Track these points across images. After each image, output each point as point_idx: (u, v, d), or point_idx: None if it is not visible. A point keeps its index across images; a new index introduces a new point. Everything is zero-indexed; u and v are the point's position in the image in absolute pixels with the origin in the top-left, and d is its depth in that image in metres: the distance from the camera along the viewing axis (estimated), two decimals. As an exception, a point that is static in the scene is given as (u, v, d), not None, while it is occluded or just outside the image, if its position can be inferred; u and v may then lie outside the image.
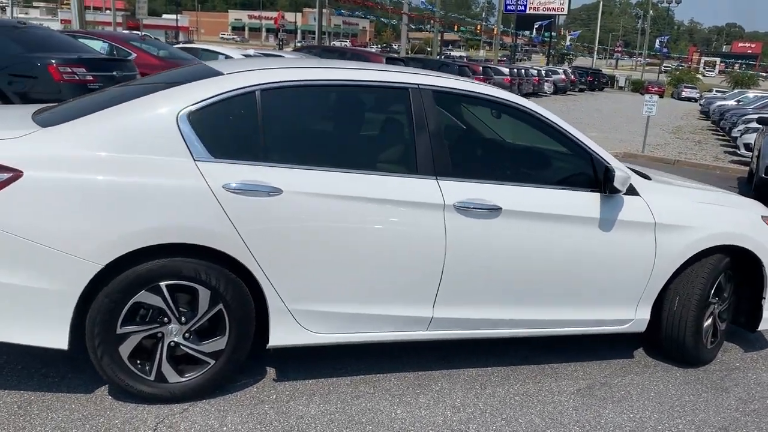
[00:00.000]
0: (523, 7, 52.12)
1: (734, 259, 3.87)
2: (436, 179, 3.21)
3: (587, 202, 3.45)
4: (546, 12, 52.08)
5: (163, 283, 2.86)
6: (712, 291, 3.78)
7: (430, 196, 3.16)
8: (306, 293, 3.07)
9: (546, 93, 36.98)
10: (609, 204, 3.49)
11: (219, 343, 3.01)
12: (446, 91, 3.36)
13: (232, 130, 3.03)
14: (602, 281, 3.54)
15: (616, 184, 3.38)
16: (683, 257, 3.64)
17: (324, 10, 78.23)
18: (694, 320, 3.73)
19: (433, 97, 3.30)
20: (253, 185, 2.91)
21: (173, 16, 75.69)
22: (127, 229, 2.75)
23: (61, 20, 48.15)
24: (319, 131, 3.14)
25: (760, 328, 3.98)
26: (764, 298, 3.95)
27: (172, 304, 2.90)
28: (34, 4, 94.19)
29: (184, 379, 2.99)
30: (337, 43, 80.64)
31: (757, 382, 3.77)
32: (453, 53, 75.80)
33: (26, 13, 72.10)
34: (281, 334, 3.09)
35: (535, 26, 52.15)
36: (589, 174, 3.53)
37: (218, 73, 3.13)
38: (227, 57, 13.18)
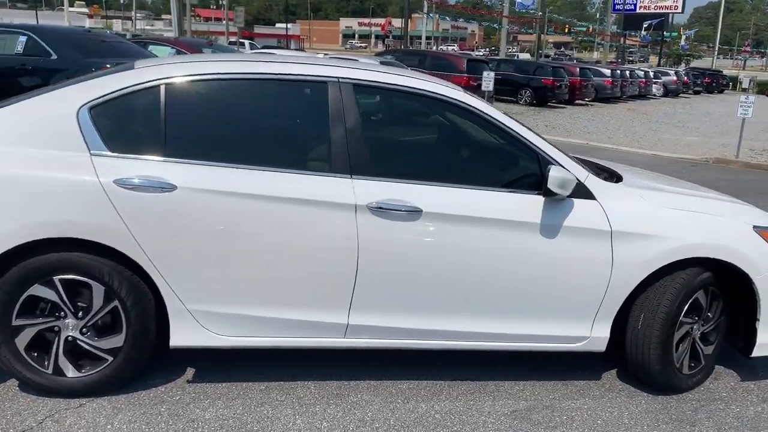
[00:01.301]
0: (632, 6, 49.54)
1: (721, 274, 3.40)
2: (351, 178, 3.03)
3: (527, 205, 3.14)
4: (658, 10, 49.25)
5: (56, 277, 2.86)
6: (685, 309, 3.33)
7: (341, 195, 2.99)
8: (206, 294, 2.98)
9: (654, 95, 35.06)
10: (554, 208, 3.16)
11: (116, 340, 2.98)
12: (370, 85, 3.16)
13: (133, 125, 2.99)
14: (547, 294, 3.21)
15: (551, 186, 3.05)
16: (647, 270, 3.23)
17: (433, 15, 78.13)
18: (660, 341, 3.31)
19: (354, 91, 3.12)
20: (145, 181, 2.86)
21: (287, 25, 78.47)
22: (18, 221, 2.77)
23: (192, 32, 51.16)
24: (226, 126, 3.04)
25: (754, 354, 3.47)
26: (758, 320, 3.44)
27: (66, 299, 2.90)
28: (163, 16, 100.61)
29: (81, 375, 2.98)
30: (444, 48, 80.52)
31: (737, 416, 3.29)
32: (552, 55, 73.69)
33: (152, 25, 77.14)
34: (182, 335, 3.02)
35: (644, 25, 49.45)
36: (537, 175, 3.21)
37: (131, 67, 3.12)
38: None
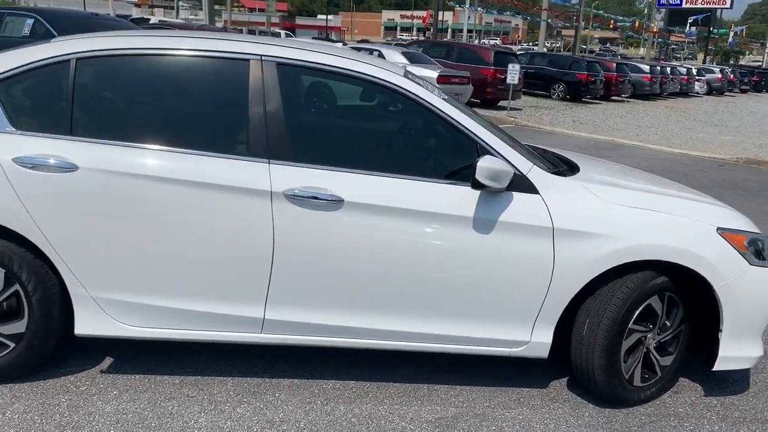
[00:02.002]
0: (678, 1, 47.81)
1: (681, 279, 3.12)
2: (269, 163, 2.84)
3: (460, 198, 2.91)
4: (705, 5, 47.51)
5: (-45, 259, 2.75)
6: (635, 315, 3.06)
7: (255, 181, 2.80)
8: (110, 282, 2.83)
9: (697, 93, 33.95)
10: (489, 202, 2.92)
11: (18, 326, 2.86)
12: (296, 65, 2.96)
13: (40, 101, 2.86)
14: (482, 294, 2.97)
15: (479, 177, 2.80)
16: (593, 272, 2.97)
17: (475, 9, 77.20)
18: (604, 349, 3.04)
19: (278, 70, 2.92)
20: (44, 160, 2.72)
21: (329, 17, 78.57)
22: None
23: (224, 21, 51.55)
24: (137, 105, 2.88)
25: (716, 368, 3.17)
26: (720, 331, 3.14)
27: (-36, 281, 2.79)
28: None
29: (-18, 360, 2.87)
30: (486, 42, 79.60)
31: (688, 434, 3.01)
32: (596, 51, 72.11)
33: (195, 15, 78.01)
34: (87, 323, 2.88)
35: (689, 20, 47.73)
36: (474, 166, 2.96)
37: (49, 41, 2.98)
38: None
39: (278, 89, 2.90)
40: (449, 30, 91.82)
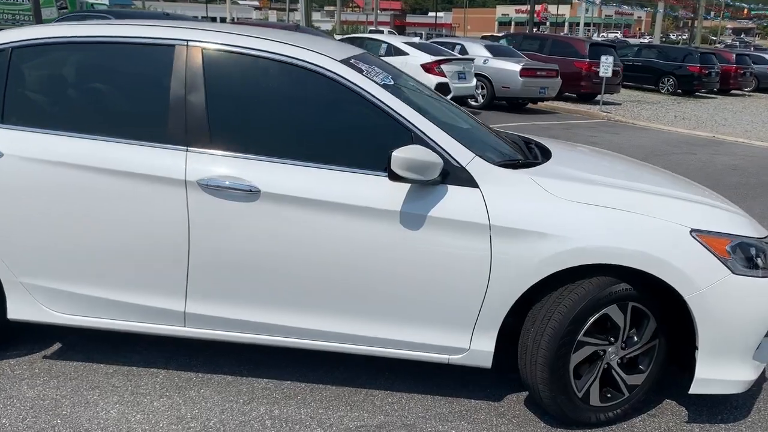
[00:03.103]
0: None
1: (652, 288, 2.74)
2: (186, 151, 2.76)
3: (387, 191, 2.69)
4: None
5: None
6: (586, 326, 2.70)
7: (171, 170, 2.73)
8: (37, 268, 2.86)
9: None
10: (420, 196, 2.68)
11: (-45, 309, 2.94)
12: (222, 50, 2.85)
13: (-24, 91, 2.92)
14: (413, 295, 2.74)
15: (395, 168, 2.57)
16: (538, 275, 2.66)
17: (594, 1, 74.24)
18: (547, 362, 2.71)
19: (203, 55, 2.84)
20: (-30, 147, 2.78)
21: (440, 14, 78.37)
22: None
23: (342, 22, 52.60)
24: (64, 92, 2.87)
25: (693, 391, 2.75)
26: (697, 349, 2.73)
27: None
28: (325, 8, 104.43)
29: (-75, 340, 2.99)
30: (607, 35, 76.31)
31: (645, 465, 2.62)
32: (728, 42, 67.03)
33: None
34: (17, 308, 2.93)
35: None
36: (409, 157, 2.73)
37: None
38: (389, 44, 13.13)
39: (201, 75, 2.81)
40: (566, 23, 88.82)
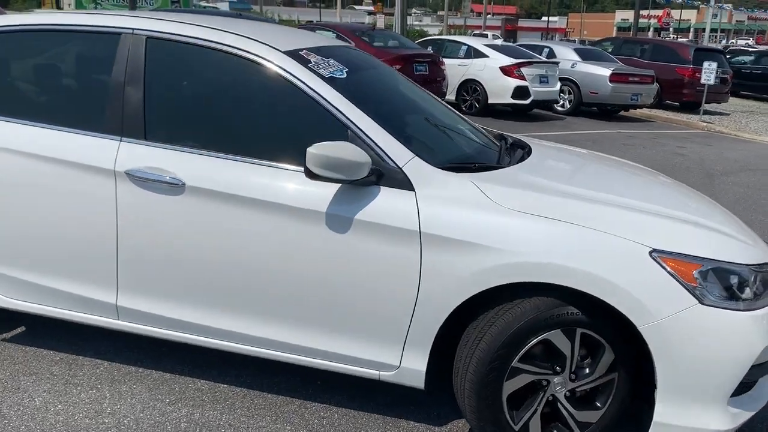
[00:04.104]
0: None
1: (604, 314, 2.40)
2: (120, 141, 2.71)
3: (315, 190, 2.51)
4: None
5: None
6: (521, 352, 2.40)
7: (102, 159, 2.69)
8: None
9: None
10: (349, 196, 2.49)
11: None
12: (165, 38, 2.77)
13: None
14: (341, 303, 2.55)
15: (310, 165, 2.38)
16: (468, 290, 2.39)
17: (726, 6, 69.59)
18: (474, 390, 2.44)
19: (146, 44, 2.77)
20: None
21: (555, 18, 76.35)
22: None
23: (449, 26, 52.08)
24: (15, 79, 2.89)
25: (651, 435, 2.39)
26: (655, 387, 2.36)
27: None
28: (439, 12, 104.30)
29: None
30: (734, 42, 71.51)
31: None
32: None
33: (420, 21, 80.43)
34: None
35: None
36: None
37: None
38: (469, 46, 12.81)
39: (142, 64, 2.75)
40: (690, 29, 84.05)
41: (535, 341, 2.39)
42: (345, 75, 2.82)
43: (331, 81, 2.67)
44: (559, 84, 12.88)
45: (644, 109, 15.03)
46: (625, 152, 9.86)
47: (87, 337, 3.24)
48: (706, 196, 3.26)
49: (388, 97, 3.10)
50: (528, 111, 13.32)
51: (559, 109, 13.89)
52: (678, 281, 2.29)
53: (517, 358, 2.40)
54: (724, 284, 2.35)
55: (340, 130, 2.57)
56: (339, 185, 2.50)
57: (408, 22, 73.41)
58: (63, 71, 2.90)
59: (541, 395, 2.48)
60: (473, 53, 12.63)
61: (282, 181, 2.54)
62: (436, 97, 3.67)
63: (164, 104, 2.75)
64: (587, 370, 2.48)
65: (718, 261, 2.36)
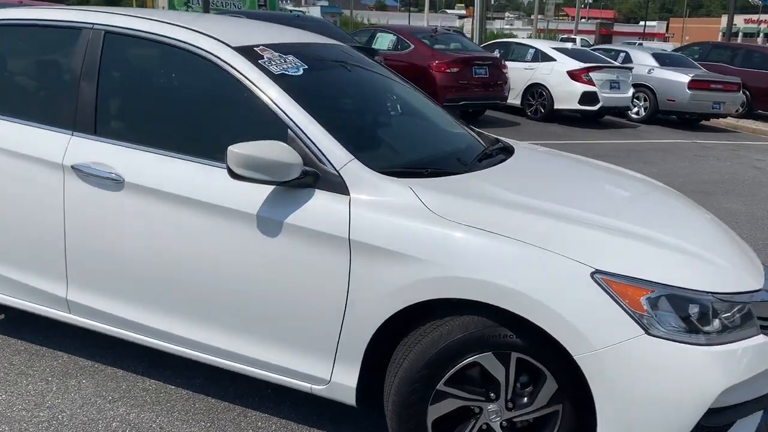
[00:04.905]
0: None
1: (545, 339, 2.17)
2: (72, 135, 2.71)
3: (248, 191, 2.41)
4: None
5: None
6: (447, 374, 2.20)
7: (52, 153, 2.70)
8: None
9: None
10: (281, 198, 2.38)
11: None
12: (123, 33, 2.74)
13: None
14: (272, 310, 2.44)
15: (231, 164, 2.26)
16: (395, 304, 2.22)
17: None
18: (395, 411, 2.27)
19: (104, 39, 2.76)
20: None
21: (653, 23, 73.26)
22: None
23: (539, 29, 50.85)
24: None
25: (593, 479, 2.14)
26: (597, 423, 2.11)
27: None
28: (533, 16, 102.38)
29: None
30: None
31: None
32: None
33: (511, 24, 79.10)
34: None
35: None
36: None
37: None
38: (536, 50, 12.40)
39: (98, 59, 2.74)
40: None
41: (463, 363, 2.19)
42: (301, 72, 2.71)
43: (279, 78, 2.56)
44: (631, 90, 12.25)
45: (729, 118, 14.09)
46: (695, 163, 9.24)
47: (58, 330, 3.27)
48: (708, 214, 2.94)
49: (351, 98, 2.96)
50: (598, 118, 12.75)
51: (634, 116, 13.23)
52: (622, 307, 2.04)
53: (443, 380, 2.21)
54: (680, 314, 2.07)
55: (282, 128, 2.45)
56: (272, 188, 2.38)
57: (498, 26, 72.25)
58: (25, 65, 2.93)
59: (473, 423, 2.28)
60: (540, 56, 12.21)
61: (216, 180, 2.45)
62: (428, 100, 3.49)
63: (115, 99, 2.73)
64: (526, 399, 2.25)
65: (673, 287, 2.08)
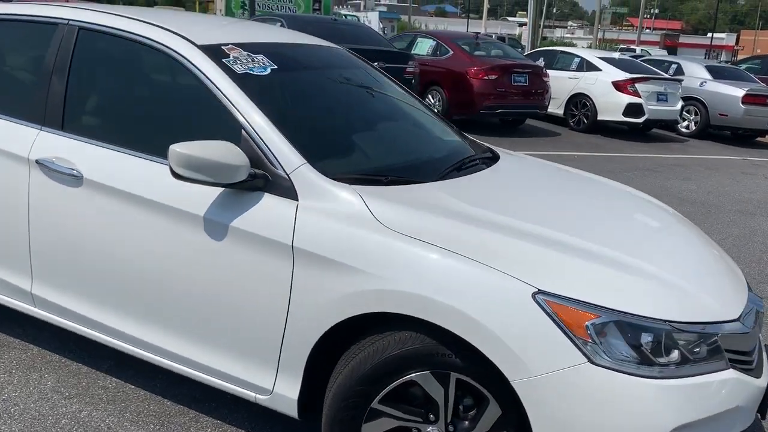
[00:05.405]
0: None
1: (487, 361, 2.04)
2: (40, 129, 2.72)
3: (198, 192, 2.36)
4: None
5: None
6: (383, 392, 2.09)
7: (19, 146, 2.71)
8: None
9: None
10: (229, 201, 2.32)
11: None
12: (95, 29, 2.73)
13: None
14: (216, 316, 2.37)
15: (172, 163, 2.20)
16: (337, 315, 2.13)
17: None
18: (330, 428, 2.17)
19: (77, 35, 2.76)
20: None
21: (721, 35, 70.85)
22: None
23: (599, 39, 49.65)
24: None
25: None
26: (536, 456, 1.97)
27: None
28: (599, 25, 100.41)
29: None
30: None
31: None
32: None
33: (572, 33, 77.77)
34: None
35: None
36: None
37: None
38: (582, 59, 12.07)
39: (70, 55, 2.74)
40: None
41: (399, 381, 2.08)
42: (267, 72, 2.64)
43: (240, 77, 2.51)
44: (680, 103, 11.79)
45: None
46: (740, 181, 8.81)
47: (36, 323, 3.28)
48: (702, 236, 2.74)
49: (322, 101, 2.89)
50: (645, 131, 12.32)
51: (683, 130, 12.73)
52: (564, 332, 1.90)
53: (378, 398, 2.10)
54: (631, 343, 1.91)
55: (237, 129, 2.39)
56: (222, 190, 2.33)
57: (559, 35, 71.08)
58: (5, 60, 2.96)
59: (408, 449, 2.16)
60: (585, 66, 11.89)
61: (167, 179, 2.40)
62: (422, 107, 3.39)
63: (82, 95, 2.73)
64: (468, 424, 2.12)
65: (622, 313, 1.92)
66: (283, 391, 2.31)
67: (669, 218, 2.84)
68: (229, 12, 22.72)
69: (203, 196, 2.34)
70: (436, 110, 10.55)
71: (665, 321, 1.94)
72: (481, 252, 2.03)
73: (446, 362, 2.03)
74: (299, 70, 2.89)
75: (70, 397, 2.72)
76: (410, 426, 2.14)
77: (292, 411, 2.32)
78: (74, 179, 2.56)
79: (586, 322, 1.90)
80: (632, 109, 11.15)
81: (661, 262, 2.23)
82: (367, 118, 3.01)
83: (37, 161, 2.64)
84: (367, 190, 2.27)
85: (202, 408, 2.73)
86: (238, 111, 2.39)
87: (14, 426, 2.52)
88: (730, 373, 2.03)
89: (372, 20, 44.68)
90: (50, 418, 2.58)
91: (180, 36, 2.60)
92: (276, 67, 2.71)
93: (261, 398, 2.38)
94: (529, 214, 2.36)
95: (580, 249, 2.13)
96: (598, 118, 11.55)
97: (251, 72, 2.58)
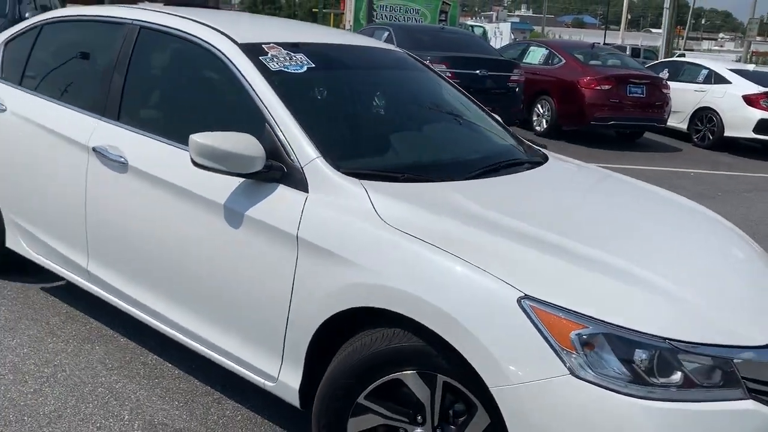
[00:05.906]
0: None
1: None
2: (99, 119, 2.96)
3: (222, 181, 2.47)
4: None
5: None
6: (369, 388, 2.07)
7: (81, 135, 2.96)
8: (16, 208, 3.36)
9: None
10: (248, 191, 2.41)
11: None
12: (154, 29, 2.93)
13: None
14: (234, 301, 2.46)
15: (192, 153, 2.30)
16: (331, 307, 2.14)
17: None
18: (317, 419, 2.18)
19: (139, 34, 2.98)
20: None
21: None
22: None
23: (753, 51, 46.04)
24: (50, 61, 3.32)
25: None
26: (516, 469, 1.88)
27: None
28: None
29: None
30: None
31: None
32: None
33: (720, 46, 72.64)
34: (11, 239, 3.46)
35: None
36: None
37: None
38: (710, 71, 11.27)
39: (131, 52, 2.96)
40: None
41: (386, 379, 2.06)
42: (303, 70, 2.71)
43: (273, 74, 2.59)
44: (825, 121, 10.70)
45: None
46: None
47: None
48: (755, 255, 2.50)
49: (358, 99, 2.93)
50: (782, 149, 11.30)
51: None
52: (547, 341, 1.80)
53: (364, 393, 2.09)
54: (622, 358, 1.78)
55: (263, 122, 2.48)
56: (243, 180, 2.42)
57: (706, 47, 66.80)
58: (81, 56, 3.24)
59: (390, 447, 2.12)
60: (713, 78, 11.10)
61: (193, 168, 2.52)
62: (478, 109, 3.35)
63: (137, 89, 2.93)
64: (454, 429, 2.06)
65: (614, 325, 1.79)
66: (286, 380, 2.35)
67: (730, 239, 2.60)
68: (357, 24, 23.41)
69: (225, 185, 2.43)
70: (545, 120, 10.34)
71: (665, 338, 1.79)
72: (475, 253, 1.97)
73: (432, 363, 1.99)
74: (338, 69, 2.93)
75: (112, 369, 2.92)
76: (397, 425, 2.10)
77: (294, 400, 2.35)
78: (122, 165, 2.75)
79: (572, 333, 1.79)
80: (764, 125, 10.27)
81: (688, 280, 2.06)
82: (403, 117, 3.00)
83: (93, 149, 2.86)
84: (376, 186, 2.27)
85: (227, 392, 2.83)
86: (264, 104, 2.47)
87: (57, 389, 2.74)
88: (749, 404, 1.83)
89: (503, 31, 44.15)
90: (89, 385, 2.78)
91: (223, 34, 2.73)
92: (313, 65, 2.76)
93: (268, 385, 2.43)
94: (545, 219, 2.26)
95: (585, 257, 2.01)
96: (725, 134, 10.74)
97: (285, 69, 2.66)
